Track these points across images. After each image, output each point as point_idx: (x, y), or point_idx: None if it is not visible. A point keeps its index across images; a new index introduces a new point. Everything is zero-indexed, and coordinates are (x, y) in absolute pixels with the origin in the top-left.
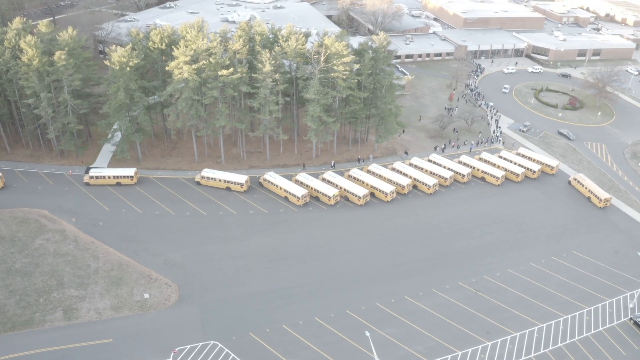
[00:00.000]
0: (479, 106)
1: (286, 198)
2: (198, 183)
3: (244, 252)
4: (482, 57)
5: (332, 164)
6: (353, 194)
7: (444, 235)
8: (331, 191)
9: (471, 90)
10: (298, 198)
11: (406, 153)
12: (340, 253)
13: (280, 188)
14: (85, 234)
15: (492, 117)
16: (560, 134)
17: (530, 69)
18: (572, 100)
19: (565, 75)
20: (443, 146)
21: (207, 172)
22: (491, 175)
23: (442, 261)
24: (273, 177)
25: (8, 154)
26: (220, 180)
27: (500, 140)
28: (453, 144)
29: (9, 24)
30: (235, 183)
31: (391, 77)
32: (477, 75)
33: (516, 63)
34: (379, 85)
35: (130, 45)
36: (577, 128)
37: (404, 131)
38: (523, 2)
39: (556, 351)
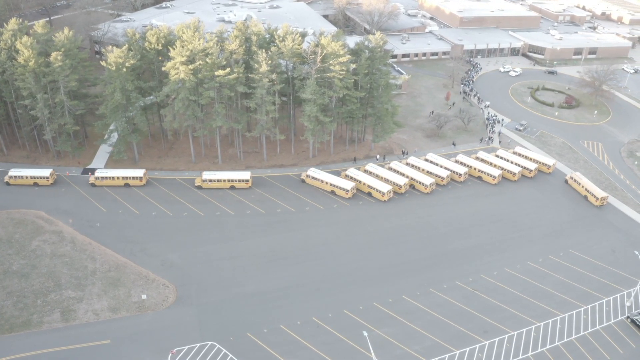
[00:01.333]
0: (473, 95)
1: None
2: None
3: (242, 253)
4: (479, 56)
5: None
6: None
7: (441, 235)
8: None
9: (466, 83)
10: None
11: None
12: (337, 253)
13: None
14: (82, 235)
15: (487, 117)
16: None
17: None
18: (568, 98)
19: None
20: (487, 139)
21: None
22: (488, 174)
23: (440, 261)
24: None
25: (5, 155)
26: (326, 183)
27: (494, 139)
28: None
29: (5, 24)
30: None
31: (388, 77)
32: (474, 74)
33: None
34: (375, 85)
35: (127, 45)
36: (574, 127)
37: (432, 112)
38: (519, 1)
39: (553, 350)
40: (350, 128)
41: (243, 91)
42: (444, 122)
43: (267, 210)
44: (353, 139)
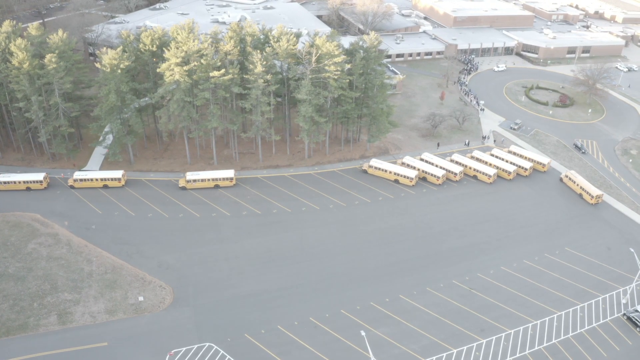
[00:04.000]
0: (468, 95)
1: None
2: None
3: (238, 254)
4: (473, 56)
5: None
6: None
7: (437, 234)
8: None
9: (462, 84)
10: (438, 178)
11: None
12: (333, 253)
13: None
14: (78, 237)
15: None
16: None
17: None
18: (562, 97)
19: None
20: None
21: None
22: (483, 173)
23: (436, 260)
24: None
25: None
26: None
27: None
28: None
29: None
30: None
31: (382, 77)
32: (469, 73)
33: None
34: (370, 85)
35: (121, 47)
36: (568, 125)
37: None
38: (512, 0)
39: (550, 348)
40: (345, 128)
41: (238, 92)
42: (439, 122)
43: (263, 211)
44: (348, 139)
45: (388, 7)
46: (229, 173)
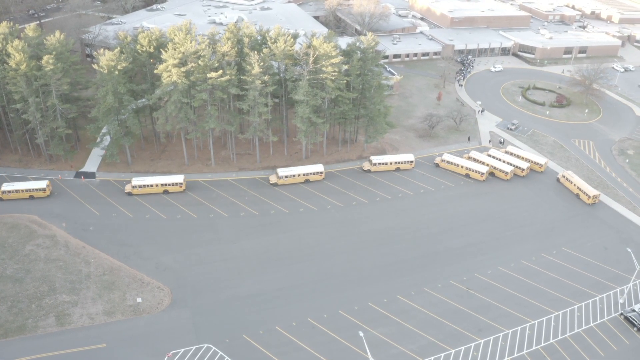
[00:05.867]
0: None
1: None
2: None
3: (236, 255)
4: (470, 56)
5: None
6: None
7: (435, 234)
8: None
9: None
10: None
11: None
12: (331, 254)
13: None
14: (76, 238)
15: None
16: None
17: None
18: (559, 98)
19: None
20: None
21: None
22: (477, 172)
23: (433, 260)
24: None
25: None
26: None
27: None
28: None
29: None
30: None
31: (380, 78)
32: (466, 73)
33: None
34: (367, 86)
35: (118, 48)
36: (565, 125)
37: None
38: (509, 1)
39: (548, 347)
40: (342, 129)
41: (235, 93)
42: (436, 122)
43: (261, 211)
44: (346, 139)
45: (385, 7)
46: (42, 184)
